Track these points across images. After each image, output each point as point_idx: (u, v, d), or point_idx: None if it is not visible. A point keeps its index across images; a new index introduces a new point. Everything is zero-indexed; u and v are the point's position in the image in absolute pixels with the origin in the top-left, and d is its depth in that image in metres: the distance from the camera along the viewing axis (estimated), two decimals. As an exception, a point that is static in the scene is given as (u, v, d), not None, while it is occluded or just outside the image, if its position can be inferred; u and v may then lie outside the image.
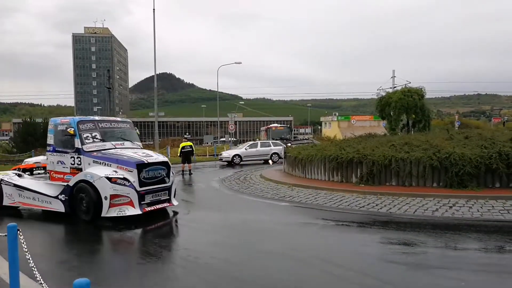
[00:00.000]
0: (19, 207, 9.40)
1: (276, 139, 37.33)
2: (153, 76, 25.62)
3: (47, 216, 8.76)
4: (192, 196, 12.24)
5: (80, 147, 8.45)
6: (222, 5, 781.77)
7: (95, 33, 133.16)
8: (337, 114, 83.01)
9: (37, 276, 2.98)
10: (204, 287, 4.51)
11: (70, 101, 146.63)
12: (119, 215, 7.70)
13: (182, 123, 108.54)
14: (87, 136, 8.62)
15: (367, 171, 11.25)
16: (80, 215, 8.03)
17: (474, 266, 4.93)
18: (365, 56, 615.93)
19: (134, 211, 7.84)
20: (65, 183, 8.38)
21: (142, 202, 8.04)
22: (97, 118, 9.53)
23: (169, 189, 8.80)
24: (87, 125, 8.82)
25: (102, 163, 8.23)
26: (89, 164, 8.31)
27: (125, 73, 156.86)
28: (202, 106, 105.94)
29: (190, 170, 18.06)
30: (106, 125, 9.25)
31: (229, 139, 43.15)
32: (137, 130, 10.21)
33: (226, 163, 23.95)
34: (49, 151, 9.03)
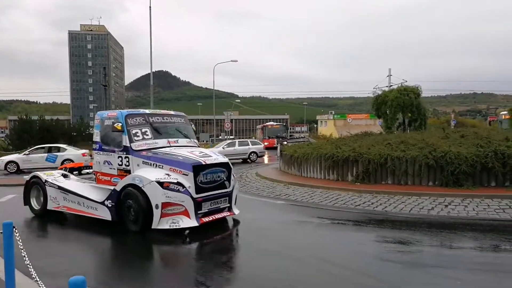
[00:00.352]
0: (63, 212, 8.33)
1: (273, 137, 37.40)
2: (149, 73, 25.50)
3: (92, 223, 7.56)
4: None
5: (128, 145, 7.34)
6: (220, 4, 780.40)
7: (91, 30, 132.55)
8: (333, 113, 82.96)
9: (33, 273, 2.95)
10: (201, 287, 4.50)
11: (66, 99, 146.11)
12: (172, 228, 6.57)
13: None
14: (136, 133, 7.50)
15: (363, 170, 11.27)
16: (128, 224, 6.90)
17: (470, 265, 4.95)
18: (365, 56, 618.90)
19: (189, 222, 6.65)
20: (112, 187, 7.29)
21: (199, 212, 6.85)
22: (147, 111, 8.33)
23: (229, 195, 7.59)
24: (136, 119, 7.69)
25: (153, 164, 7.09)
26: (138, 165, 7.21)
27: (121, 71, 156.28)
28: (198, 104, 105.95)
29: None
30: (157, 119, 8.08)
31: (225, 137, 43.22)
32: (192, 125, 9.16)
33: None
34: (95, 149, 8.00)
